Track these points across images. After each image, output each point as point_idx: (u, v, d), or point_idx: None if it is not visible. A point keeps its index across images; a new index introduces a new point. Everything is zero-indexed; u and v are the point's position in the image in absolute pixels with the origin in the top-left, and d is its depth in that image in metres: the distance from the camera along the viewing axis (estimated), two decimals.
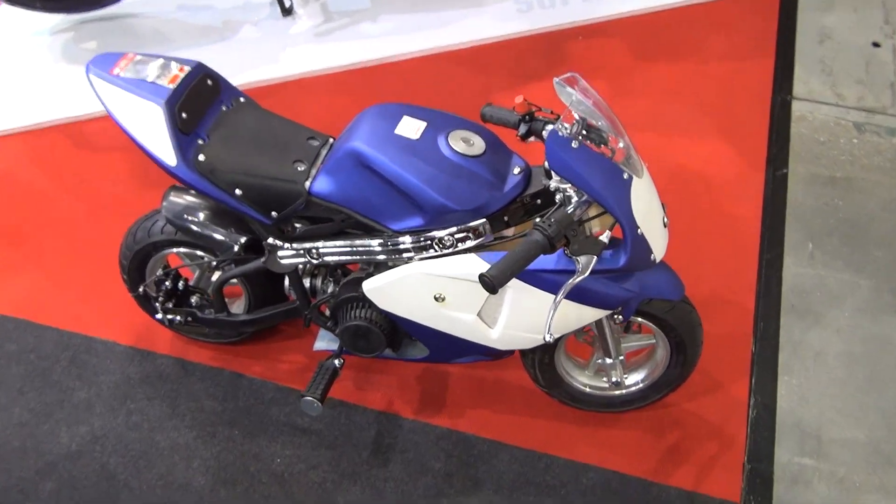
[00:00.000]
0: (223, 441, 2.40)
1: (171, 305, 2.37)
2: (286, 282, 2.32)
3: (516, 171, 1.97)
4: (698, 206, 2.91)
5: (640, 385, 2.33)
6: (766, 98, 3.25)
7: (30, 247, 2.89)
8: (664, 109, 3.22)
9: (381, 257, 2.02)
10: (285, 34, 3.52)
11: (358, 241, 2.03)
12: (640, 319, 2.16)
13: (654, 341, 2.27)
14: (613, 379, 2.24)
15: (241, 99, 2.16)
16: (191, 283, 2.42)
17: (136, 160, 3.12)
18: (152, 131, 1.97)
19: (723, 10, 3.61)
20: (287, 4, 3.57)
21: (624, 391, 2.34)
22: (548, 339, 1.77)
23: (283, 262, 2.14)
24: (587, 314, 1.99)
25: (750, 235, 2.82)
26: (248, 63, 3.34)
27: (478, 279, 1.68)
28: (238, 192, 2.00)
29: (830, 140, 3.09)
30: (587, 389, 2.35)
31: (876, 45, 3.44)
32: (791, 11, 3.59)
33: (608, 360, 2.21)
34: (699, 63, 3.39)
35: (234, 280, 2.34)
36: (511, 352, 2.27)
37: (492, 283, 1.64)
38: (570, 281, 1.78)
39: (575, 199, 1.81)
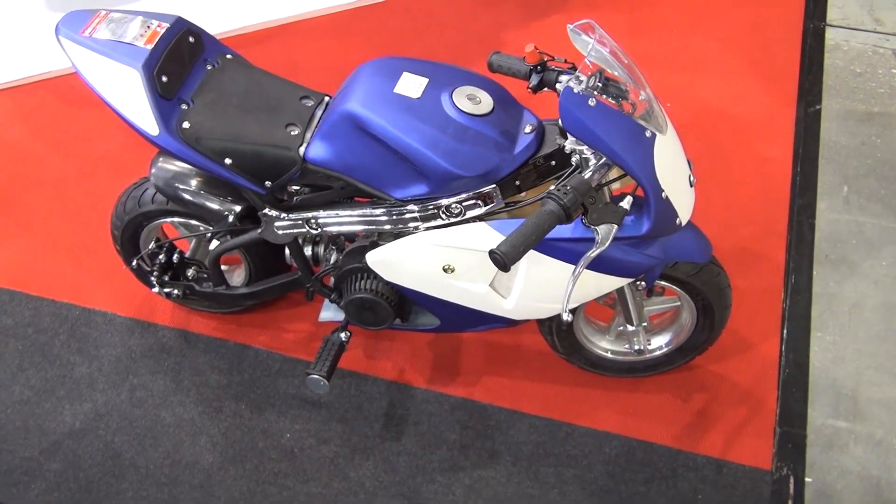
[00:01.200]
0: (230, 416, 2.31)
1: (167, 279, 2.25)
2: (287, 251, 2.18)
3: (528, 129, 1.80)
4: (724, 149, 2.72)
5: (665, 349, 2.20)
6: (797, 26, 3.01)
7: (20, 212, 2.77)
8: (686, 43, 3.00)
9: (386, 227, 1.88)
10: None
11: (359, 211, 1.88)
12: (664, 283, 2.01)
13: (678, 304, 2.12)
14: (636, 346, 2.10)
15: (228, 56, 1.99)
16: (187, 254, 2.29)
17: None
18: (131, 98, 1.81)
19: None
20: None
21: (647, 356, 2.21)
22: (566, 317, 1.63)
23: (281, 232, 2.00)
24: (607, 283, 1.85)
25: (780, 179, 2.64)
26: (232, 5, 3.13)
27: (488, 254, 1.53)
28: (228, 161, 1.85)
29: (868, 71, 2.87)
30: (608, 355, 2.23)
31: None
32: None
33: (630, 328, 2.08)
34: None
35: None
36: (526, 321, 2.14)
37: (503, 261, 1.49)
38: (589, 253, 1.63)
39: (593, 161, 1.65)
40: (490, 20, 3.14)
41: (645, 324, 2.08)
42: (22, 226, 2.73)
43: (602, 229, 1.63)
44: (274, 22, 3.17)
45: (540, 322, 2.15)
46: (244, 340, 2.44)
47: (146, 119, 1.82)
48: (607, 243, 1.63)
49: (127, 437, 2.29)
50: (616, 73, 1.65)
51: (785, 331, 2.35)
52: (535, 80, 1.81)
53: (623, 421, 2.23)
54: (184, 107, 1.85)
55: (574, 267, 1.70)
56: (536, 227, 1.52)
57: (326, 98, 1.95)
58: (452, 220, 1.81)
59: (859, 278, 2.43)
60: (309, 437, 2.26)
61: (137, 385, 2.38)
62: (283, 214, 1.96)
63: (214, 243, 2.16)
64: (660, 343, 2.20)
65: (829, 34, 2.97)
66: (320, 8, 3.21)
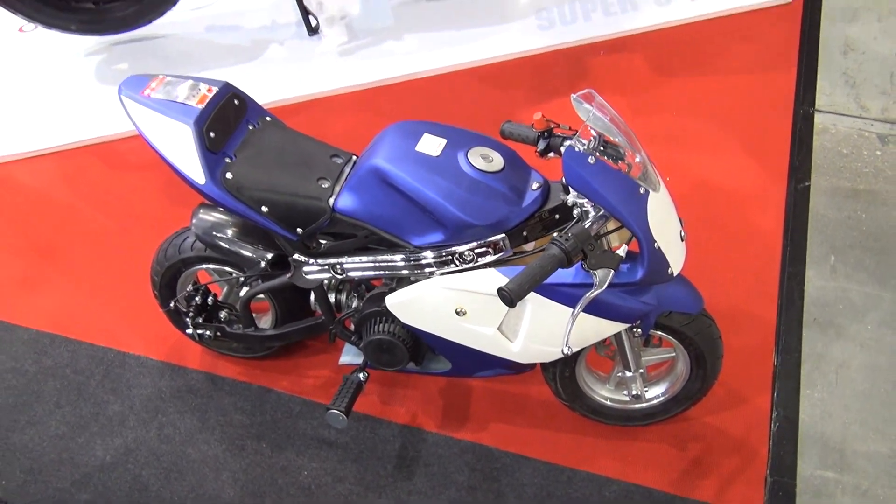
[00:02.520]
0: (251, 454, 2.45)
1: (200, 320, 2.43)
2: (312, 297, 2.37)
3: (535, 186, 2.01)
4: (720, 220, 2.92)
5: (661, 398, 2.34)
6: (788, 111, 3.25)
7: (63, 263, 2.98)
8: (685, 124, 3.24)
9: (404, 272, 2.07)
10: (311, 53, 3.60)
11: (381, 257, 2.07)
12: (659, 333, 2.18)
13: (673, 354, 2.28)
14: (634, 392, 2.25)
15: (268, 118, 2.23)
16: (220, 298, 2.49)
17: (167, 178, 3.21)
18: (182, 150, 2.04)
19: (744, 23, 3.62)
20: (313, 24, 3.64)
21: (645, 404, 2.36)
22: (566, 351, 1.81)
23: (309, 277, 2.19)
24: (606, 327, 2.02)
25: (772, 248, 2.83)
26: (275, 82, 3.41)
27: (496, 292, 1.71)
28: (264, 208, 2.06)
29: (853, 152, 3.09)
30: (608, 403, 2.37)
31: None
32: (814, 23, 3.59)
33: (628, 374, 2.23)
34: (720, 76, 3.40)
35: (262, 295, 2.40)
36: (532, 365, 2.30)
37: (510, 297, 1.67)
38: (588, 294, 1.81)
39: (592, 213, 1.84)
40: (503, 99, 3.40)
41: (642, 371, 2.24)
42: (65, 276, 2.94)
43: (600, 273, 1.82)
44: (305, 97, 3.45)
45: (544, 369, 2.31)
46: (267, 384, 2.60)
47: (195, 169, 2.04)
48: (604, 286, 1.81)
49: (154, 472, 2.43)
50: (614, 138, 1.86)
51: (776, 387, 2.50)
52: (542, 145, 2.02)
53: (622, 467, 2.36)
54: (227, 160, 2.08)
55: (573, 309, 1.87)
56: (541, 268, 1.70)
57: (354, 157, 2.17)
58: (465, 266, 2.00)
59: (846, 340, 2.58)
60: (325, 476, 2.39)
61: (166, 423, 2.53)
62: (312, 260, 2.15)
63: (245, 289, 2.36)
64: (657, 392, 2.35)
65: (818, 118, 3.20)
66: (346, 86, 3.48)
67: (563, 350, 1.81)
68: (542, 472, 2.36)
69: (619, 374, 2.28)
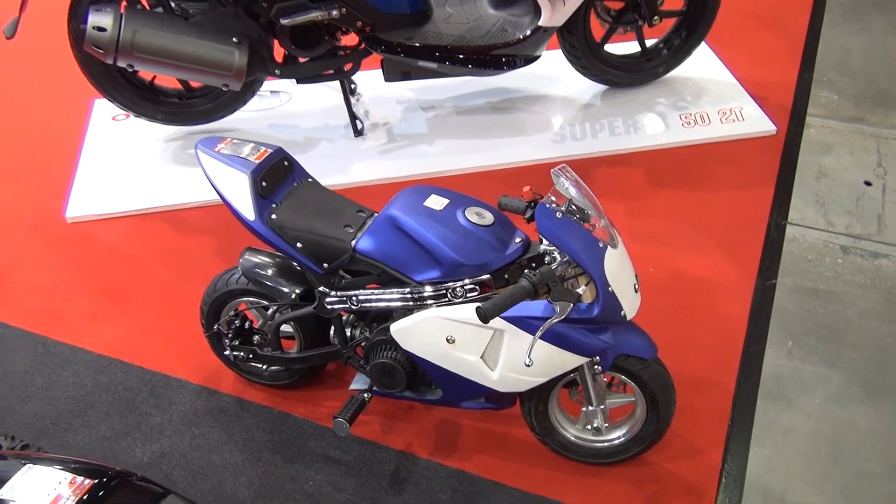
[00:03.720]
0: (267, 464, 2.84)
1: (237, 343, 2.89)
2: (332, 331, 2.82)
3: (517, 240, 2.48)
4: (693, 304, 3.34)
5: (622, 438, 2.71)
6: (763, 222, 3.71)
7: (126, 302, 3.49)
8: (673, 227, 3.71)
9: (408, 304, 2.52)
10: (356, 150, 4.20)
11: (389, 290, 2.54)
12: (621, 377, 2.58)
13: (633, 399, 2.66)
14: (595, 424, 2.62)
15: (309, 179, 2.76)
16: (255, 326, 2.95)
17: (221, 243, 3.75)
18: (239, 193, 2.57)
19: (732, 149, 4.15)
20: (359, 127, 4.26)
21: (607, 444, 2.72)
22: (527, 362, 2.22)
23: (330, 307, 2.65)
24: (570, 359, 2.42)
25: (737, 331, 3.22)
26: (323, 170, 3.98)
27: (475, 310, 2.16)
28: (299, 245, 2.56)
29: (818, 258, 3.51)
30: (576, 440, 2.74)
31: (868, 183, 3.90)
32: (793, 152, 4.10)
33: (590, 408, 2.61)
34: (706, 191, 3.90)
35: (290, 329, 2.87)
36: (512, 402, 2.70)
37: (484, 314, 2.12)
38: (550, 320, 2.25)
39: (558, 259, 2.30)
40: (516, 195, 3.92)
41: (603, 407, 2.61)
42: (126, 312, 3.45)
43: (560, 304, 2.25)
44: (348, 184, 4.01)
45: (522, 404, 2.70)
46: (286, 409, 3.02)
47: (247, 209, 2.56)
48: (564, 315, 2.24)
49: (183, 472, 2.83)
50: (582, 204, 2.34)
51: (728, 443, 2.83)
52: (529, 212, 2.50)
53: (586, 498, 2.69)
54: (273, 205, 2.60)
55: (538, 332, 2.29)
56: (511, 295, 2.16)
57: (375, 213, 2.67)
58: (456, 300, 2.45)
59: (794, 410, 2.93)
60: (328, 486, 2.77)
61: (197, 434, 2.95)
62: (333, 292, 2.63)
63: (276, 317, 2.83)
64: (619, 434, 2.72)
65: (789, 230, 3.65)
66: (383, 177, 4.04)
67: (524, 363, 2.23)
68: (515, 498, 2.71)
69: (584, 409, 2.65)
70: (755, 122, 4.27)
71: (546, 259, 2.37)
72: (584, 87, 4.55)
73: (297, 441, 2.92)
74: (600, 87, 4.56)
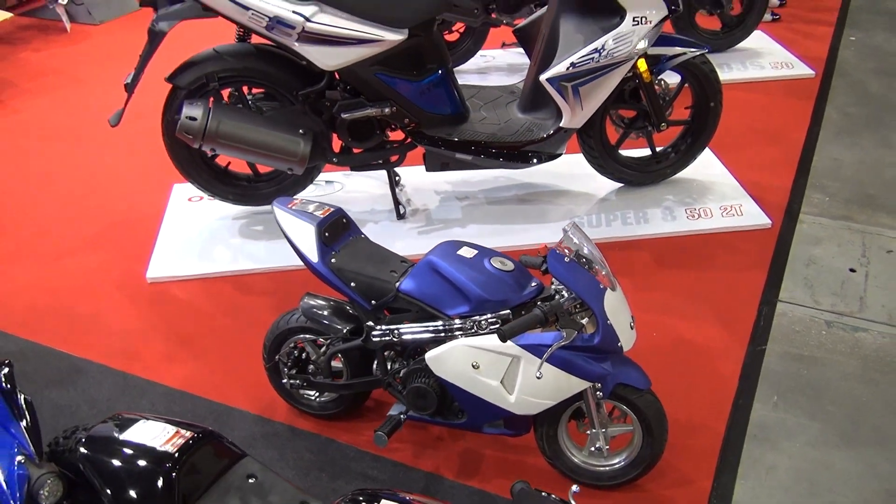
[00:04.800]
0: (313, 479, 3.29)
1: (294, 372, 3.39)
2: (374, 364, 3.32)
3: (533, 284, 3.01)
4: (688, 363, 3.79)
5: (622, 463, 3.12)
6: (755, 299, 4.19)
7: (197, 347, 4.02)
8: (674, 301, 4.20)
9: (441, 335, 3.02)
10: (398, 231, 4.79)
11: (425, 324, 3.05)
12: (620, 407, 3.03)
13: (632, 428, 3.09)
14: (598, 445, 3.05)
15: (362, 235, 3.34)
16: (310, 357, 3.46)
17: (277, 301, 4.30)
18: (306, 241, 3.14)
19: (731, 238, 4.68)
20: (401, 211, 4.87)
21: (608, 468, 3.14)
22: (538, 375, 2.70)
23: (375, 339, 3.16)
24: (575, 383, 2.89)
25: (728, 387, 3.66)
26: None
27: (496, 334, 2.67)
28: (353, 284, 3.10)
29: (804, 330, 3.96)
30: (581, 464, 3.16)
31: (852, 270, 4.38)
32: (786, 243, 4.61)
33: (593, 430, 3.05)
34: (706, 271, 4.40)
35: (339, 365, 3.37)
36: (527, 429, 3.15)
37: (503, 334, 2.64)
38: (557, 343, 2.74)
39: (566, 296, 2.81)
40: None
41: (605, 430, 3.05)
42: (196, 355, 3.98)
43: (567, 331, 2.75)
44: None
45: (535, 429, 3.14)
46: (332, 436, 3.48)
47: (312, 253, 3.13)
48: (569, 339, 2.74)
49: None
50: (588, 256, 2.86)
51: (717, 476, 3.23)
52: (544, 266, 3.04)
53: None
54: (333, 252, 3.16)
55: (548, 355, 2.78)
56: (526, 321, 2.68)
57: (415, 263, 3.22)
58: (481, 331, 2.95)
59: (778, 452, 3.33)
60: None
61: (254, 454, 3.37)
62: (378, 326, 3.14)
63: (330, 349, 3.33)
64: (619, 459, 3.14)
65: (779, 306, 4.12)
66: (421, 254, 4.60)
67: (535, 375, 2.71)
68: None
69: (589, 431, 3.08)
70: (753, 216, 4.82)
71: (556, 297, 2.88)
72: (600, 184, 5.15)
73: (340, 462, 3.36)
74: (615, 184, 5.16)
